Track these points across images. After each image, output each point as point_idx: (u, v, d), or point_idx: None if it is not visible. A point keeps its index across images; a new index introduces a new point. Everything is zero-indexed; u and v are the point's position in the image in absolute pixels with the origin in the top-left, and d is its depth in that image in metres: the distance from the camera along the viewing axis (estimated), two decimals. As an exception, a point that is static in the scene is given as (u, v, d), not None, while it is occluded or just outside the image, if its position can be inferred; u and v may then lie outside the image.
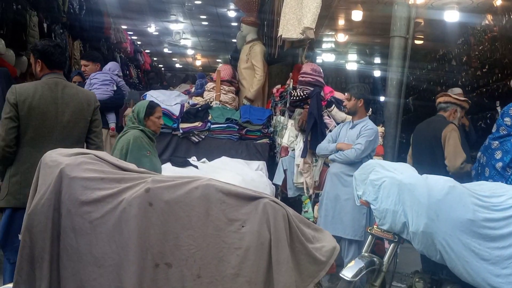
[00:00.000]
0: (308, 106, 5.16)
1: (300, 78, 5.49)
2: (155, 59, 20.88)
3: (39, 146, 3.22)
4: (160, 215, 2.10)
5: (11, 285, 2.24)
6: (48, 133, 3.29)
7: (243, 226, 2.09)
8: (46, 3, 7.81)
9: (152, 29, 14.95)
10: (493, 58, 7.54)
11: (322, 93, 5.28)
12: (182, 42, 16.15)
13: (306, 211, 5.06)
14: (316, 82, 5.40)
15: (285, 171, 5.32)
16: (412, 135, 4.78)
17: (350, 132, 4.59)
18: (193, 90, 6.76)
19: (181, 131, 5.83)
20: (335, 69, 11.88)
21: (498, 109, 7.00)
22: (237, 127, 5.93)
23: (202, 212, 2.10)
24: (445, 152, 4.22)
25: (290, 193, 5.28)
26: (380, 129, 5.52)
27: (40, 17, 7.50)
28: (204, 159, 5.53)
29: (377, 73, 12.04)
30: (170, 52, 18.91)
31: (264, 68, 6.69)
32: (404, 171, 3.41)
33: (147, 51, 18.22)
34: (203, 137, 5.91)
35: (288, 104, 5.67)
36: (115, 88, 5.68)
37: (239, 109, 6.25)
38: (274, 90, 6.46)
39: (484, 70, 7.83)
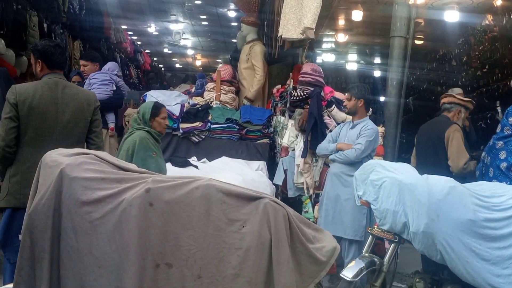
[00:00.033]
0: (308, 106, 5.16)
1: (300, 78, 5.49)
2: (155, 59, 20.88)
3: (39, 146, 3.22)
4: (160, 215, 2.10)
5: (11, 285, 2.24)
6: (48, 133, 3.29)
7: (243, 226, 2.09)
8: (46, 3, 7.80)
9: (152, 29, 14.95)
10: (493, 58, 7.54)
11: (322, 93, 5.28)
12: (182, 42, 16.15)
13: (307, 211, 5.06)
14: (316, 82, 5.40)
15: (285, 171, 5.32)
16: (416, 136, 4.78)
17: (350, 132, 4.59)
18: (193, 90, 6.76)
19: (181, 131, 5.83)
20: (335, 69, 11.88)
21: (498, 109, 7.00)
22: (237, 127, 5.93)
23: (202, 212, 2.10)
24: (448, 153, 4.22)
25: (291, 193, 5.28)
26: (381, 129, 5.52)
27: (40, 17, 7.50)
28: (204, 159, 5.53)
29: (377, 73, 12.03)
30: (170, 52, 18.91)
31: (264, 68, 6.69)
32: (405, 171, 3.40)
33: (147, 51, 18.22)
34: (203, 137, 5.90)
35: (288, 104, 5.67)
36: (114, 88, 5.68)
37: (239, 109, 6.25)
38: (274, 90, 6.46)
39: (484, 70, 7.83)
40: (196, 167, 5.15)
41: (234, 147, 5.87)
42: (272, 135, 6.09)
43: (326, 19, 7.89)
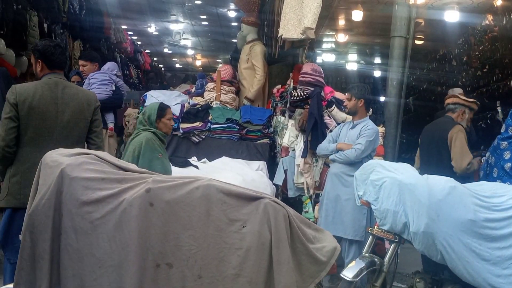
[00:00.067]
0: (308, 106, 5.16)
1: (301, 78, 5.49)
2: (155, 59, 20.89)
3: (39, 146, 3.22)
4: (160, 215, 2.09)
5: (11, 285, 2.24)
6: (48, 133, 3.29)
7: (244, 227, 2.09)
8: (46, 3, 7.81)
9: (152, 29, 14.96)
10: (494, 58, 7.54)
11: (322, 93, 5.28)
12: (182, 42, 16.15)
13: (307, 211, 5.06)
14: (316, 82, 5.40)
15: (285, 171, 5.32)
16: (420, 136, 4.79)
17: (350, 132, 4.59)
18: (193, 90, 6.75)
19: (181, 131, 5.83)
20: (335, 69, 11.88)
21: (499, 109, 7.01)
22: (238, 127, 5.92)
23: (203, 212, 2.10)
24: (452, 153, 4.22)
25: (291, 193, 5.28)
26: (381, 129, 5.52)
27: (40, 17, 7.51)
28: (204, 159, 5.53)
29: (377, 73, 12.04)
30: (170, 52, 18.91)
31: (265, 68, 6.69)
32: (405, 171, 3.40)
33: (147, 51, 18.22)
34: (204, 137, 5.90)
35: (288, 104, 5.67)
36: (114, 88, 5.68)
37: (240, 109, 6.24)
38: (275, 90, 6.45)
39: (484, 70, 7.83)
40: (196, 167, 5.15)
41: (234, 147, 5.87)
42: (272, 135, 6.09)
43: (326, 19, 7.89)
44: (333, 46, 10.97)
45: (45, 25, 7.73)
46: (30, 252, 2.15)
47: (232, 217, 2.10)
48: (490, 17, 7.48)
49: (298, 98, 5.40)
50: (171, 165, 4.20)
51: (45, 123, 3.28)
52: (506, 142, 3.87)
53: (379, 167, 3.53)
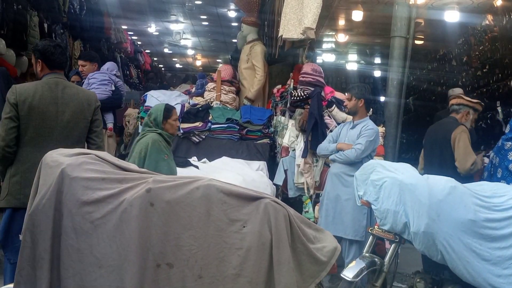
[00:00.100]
0: (308, 106, 5.16)
1: (301, 78, 5.49)
2: (155, 59, 20.89)
3: (39, 146, 3.22)
4: (161, 215, 2.09)
5: (11, 285, 2.24)
6: (48, 133, 3.29)
7: (244, 227, 2.09)
8: (46, 3, 7.81)
9: (152, 29, 14.96)
10: (494, 58, 7.55)
11: (322, 93, 5.28)
12: (183, 42, 16.16)
13: (307, 211, 5.06)
14: (316, 82, 5.40)
15: (285, 171, 5.32)
16: (424, 137, 4.81)
17: (350, 132, 4.59)
18: (193, 90, 6.75)
19: (181, 131, 5.82)
20: (335, 69, 11.88)
21: (499, 109, 7.01)
22: (238, 127, 5.92)
23: (203, 212, 2.10)
24: (455, 154, 4.22)
25: (291, 193, 5.28)
26: (381, 129, 5.52)
27: (40, 17, 7.51)
28: (204, 159, 5.53)
29: (377, 73, 12.03)
30: (171, 52, 18.92)
31: (265, 68, 6.69)
32: (405, 171, 3.41)
33: (147, 51, 18.22)
34: (204, 137, 5.90)
35: (288, 104, 5.67)
36: (113, 88, 5.67)
37: (240, 109, 6.24)
38: (275, 90, 6.45)
39: (484, 70, 7.84)
40: (197, 167, 5.14)
41: (235, 147, 5.86)
42: (272, 135, 6.08)
43: (326, 19, 7.89)
44: (333, 46, 10.97)
45: (46, 25, 7.73)
46: (30, 252, 2.15)
47: (233, 217, 2.10)
48: (490, 17, 7.48)
49: (298, 98, 5.40)
50: (176, 166, 4.20)
51: (45, 123, 3.28)
52: (510, 143, 3.88)
53: (379, 167, 3.53)
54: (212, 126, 5.89)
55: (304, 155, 5.06)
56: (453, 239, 3.07)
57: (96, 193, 2.14)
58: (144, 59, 16.33)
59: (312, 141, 5.01)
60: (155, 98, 5.98)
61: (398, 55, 5.85)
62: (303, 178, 5.13)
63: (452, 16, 7.01)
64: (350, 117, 4.84)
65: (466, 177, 4.05)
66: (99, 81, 5.54)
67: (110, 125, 5.64)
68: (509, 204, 3.15)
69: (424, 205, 3.12)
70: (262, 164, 5.61)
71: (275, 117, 6.21)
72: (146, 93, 6.28)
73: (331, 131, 5.00)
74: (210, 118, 5.94)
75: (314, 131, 4.99)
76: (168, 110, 4.04)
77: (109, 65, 5.91)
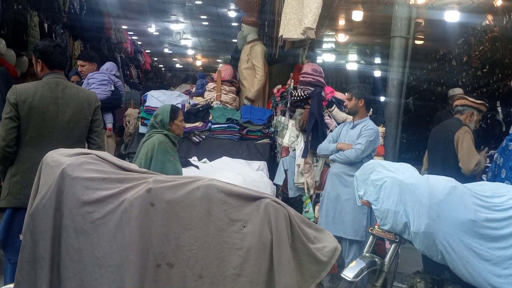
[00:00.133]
0: (309, 106, 5.16)
1: (301, 78, 5.48)
2: (155, 59, 20.89)
3: (40, 146, 3.22)
4: (161, 215, 2.10)
5: (12, 285, 2.24)
6: (48, 133, 3.29)
7: (244, 227, 2.09)
8: (46, 3, 7.81)
9: (152, 29, 14.96)
10: (494, 58, 7.55)
11: (323, 93, 5.28)
12: (183, 42, 16.16)
13: (307, 211, 5.06)
14: (316, 82, 5.40)
15: (286, 171, 5.32)
16: (429, 138, 4.82)
17: (350, 132, 4.59)
18: (193, 90, 6.75)
19: (181, 131, 5.82)
20: (335, 69, 11.88)
21: (499, 109, 7.02)
22: (238, 127, 5.92)
23: (203, 212, 2.10)
24: (459, 155, 4.23)
25: (291, 193, 5.28)
26: (381, 129, 5.52)
27: (40, 17, 7.51)
28: (205, 159, 5.52)
29: (377, 73, 12.04)
30: (171, 52, 18.92)
31: (265, 68, 6.69)
32: (405, 171, 3.41)
33: (147, 51, 18.22)
34: (204, 137, 5.90)
35: (289, 104, 5.67)
36: (113, 88, 5.66)
37: (240, 109, 6.24)
38: (275, 90, 6.45)
39: (484, 70, 7.85)
40: (197, 167, 5.14)
41: (235, 147, 5.86)
42: (272, 135, 6.08)
43: (326, 19, 7.90)
44: (334, 46, 10.97)
45: (46, 25, 7.73)
46: (30, 252, 2.15)
47: (233, 217, 2.10)
48: (490, 17, 7.49)
49: (298, 98, 5.40)
50: (181, 167, 4.21)
51: (46, 123, 3.28)
52: (515, 143, 3.88)
53: (379, 167, 3.53)
54: (212, 126, 5.89)
55: (304, 155, 5.06)
56: (453, 239, 3.07)
57: (96, 193, 2.15)
58: (144, 59, 16.33)
59: (312, 141, 5.01)
60: (155, 98, 5.98)
61: (398, 55, 5.85)
62: (303, 178, 5.13)
63: (452, 16, 7.02)
64: (350, 117, 4.84)
65: (468, 178, 4.05)
66: (99, 81, 5.54)
67: (109, 125, 5.64)
68: (509, 204, 3.15)
69: (424, 205, 3.12)
70: (262, 164, 5.61)
71: (275, 117, 6.21)
72: (146, 93, 6.28)
73: (331, 131, 5.00)
74: (210, 118, 5.94)
75: (314, 131, 4.99)
76: (174, 111, 4.05)
77: (108, 65, 5.90)
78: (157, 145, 3.82)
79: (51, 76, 3.38)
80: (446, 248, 3.07)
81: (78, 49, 9.20)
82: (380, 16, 7.52)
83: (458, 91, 6.72)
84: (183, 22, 14.10)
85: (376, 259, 3.40)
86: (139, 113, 6.28)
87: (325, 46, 11.04)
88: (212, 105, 6.16)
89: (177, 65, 23.20)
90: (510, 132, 4.01)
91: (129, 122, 7.38)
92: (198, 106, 6.07)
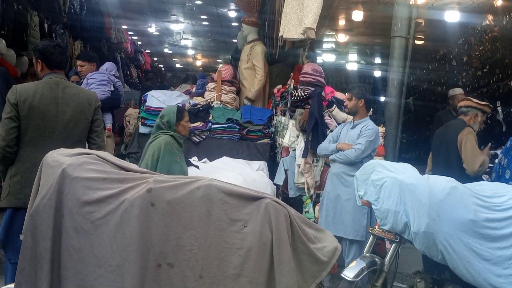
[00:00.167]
0: (309, 106, 5.16)
1: (301, 78, 5.49)
2: (155, 59, 20.88)
3: (40, 146, 3.23)
4: (162, 215, 2.10)
5: (12, 285, 2.24)
6: (48, 133, 3.30)
7: (245, 226, 2.09)
8: (47, 3, 7.81)
9: (152, 29, 14.95)
10: (494, 58, 7.55)
11: (323, 93, 5.28)
12: (183, 42, 16.16)
13: (307, 211, 5.06)
14: (317, 82, 5.40)
15: (286, 171, 5.32)
16: (432, 139, 4.84)
17: (350, 132, 4.60)
18: (194, 90, 6.75)
19: (182, 131, 5.82)
20: (335, 69, 11.88)
21: (499, 109, 7.02)
22: (238, 127, 5.92)
23: (204, 212, 2.10)
24: (463, 156, 4.24)
25: (291, 193, 5.28)
26: (381, 129, 5.52)
27: (41, 17, 7.51)
28: (205, 159, 5.52)
29: (377, 73, 12.04)
30: (171, 52, 18.91)
31: (265, 68, 6.69)
32: (406, 171, 3.41)
33: (147, 51, 18.22)
34: (204, 137, 5.90)
35: (289, 104, 5.67)
36: (112, 88, 5.66)
37: (240, 109, 6.24)
38: (275, 90, 6.45)
39: (484, 70, 7.85)
40: (197, 167, 5.14)
41: (235, 147, 5.86)
42: (272, 135, 6.08)
43: (326, 19, 7.90)
44: (334, 46, 10.97)
45: (46, 25, 7.73)
46: (31, 252, 2.15)
47: (233, 217, 2.10)
48: (490, 17, 7.48)
49: (298, 98, 5.40)
50: (187, 168, 4.23)
51: (46, 123, 3.29)
52: (519, 144, 3.88)
53: (379, 167, 3.53)
54: (213, 126, 5.89)
55: (304, 155, 5.06)
56: (453, 239, 3.07)
57: (97, 193, 2.15)
58: (145, 59, 16.33)
59: (313, 141, 5.01)
60: (156, 98, 5.98)
61: (399, 55, 5.85)
62: (303, 178, 5.13)
63: (452, 16, 7.01)
64: (350, 117, 4.84)
65: (472, 178, 4.05)
66: (98, 81, 5.53)
67: (108, 126, 5.64)
68: (509, 204, 3.14)
69: (425, 205, 3.12)
70: (263, 164, 5.61)
71: (275, 117, 6.21)
72: (146, 93, 6.28)
73: (331, 131, 5.00)
74: (210, 118, 5.94)
75: (315, 131, 4.99)
76: (180, 111, 4.07)
77: (108, 65, 5.90)
78: (164, 146, 3.83)
79: (51, 76, 3.38)
80: (446, 248, 3.07)
81: (78, 49, 9.21)
82: (380, 16, 7.52)
83: (458, 91, 6.72)
84: (183, 22, 14.10)
85: (376, 259, 3.40)
86: (139, 113, 6.28)
87: (325, 46, 11.04)
88: (212, 105, 6.16)
89: (177, 65, 23.20)
90: None
91: (129, 122, 7.38)
92: (198, 106, 6.07)
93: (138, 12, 12.77)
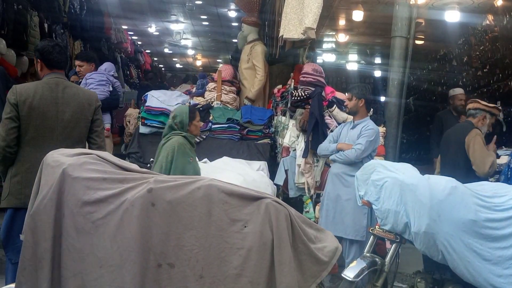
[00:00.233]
0: (309, 106, 5.16)
1: (301, 78, 5.48)
2: (155, 59, 20.88)
3: (40, 146, 3.23)
4: (162, 216, 2.10)
5: (13, 285, 2.24)
6: (49, 133, 3.30)
7: (245, 226, 2.09)
8: (47, 3, 7.81)
9: (152, 29, 14.94)
10: (494, 58, 7.55)
11: (323, 93, 5.28)
12: (183, 42, 16.15)
13: (308, 211, 5.06)
14: (317, 82, 5.40)
15: (286, 171, 5.32)
16: (441, 141, 4.88)
17: (351, 132, 4.60)
18: (194, 90, 6.75)
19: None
20: (336, 69, 11.88)
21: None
22: (238, 127, 5.92)
23: (204, 212, 2.10)
24: (472, 158, 4.26)
25: (292, 193, 5.28)
26: (381, 129, 5.52)
27: (41, 17, 7.51)
28: (205, 159, 5.52)
29: (378, 73, 12.04)
30: (171, 52, 18.91)
31: (265, 68, 6.69)
32: (406, 172, 3.41)
33: (147, 51, 18.22)
34: (204, 137, 5.89)
35: (289, 104, 5.67)
36: (111, 89, 5.67)
37: (240, 109, 6.24)
38: (275, 90, 6.45)
39: (485, 70, 7.84)
40: (197, 167, 5.14)
41: (235, 147, 5.86)
42: (273, 135, 6.08)
43: (326, 19, 7.90)
44: (334, 46, 10.97)
45: (46, 25, 7.73)
46: (31, 252, 2.15)
47: (234, 217, 2.10)
48: (490, 17, 7.48)
49: (299, 98, 5.40)
50: (199, 168, 4.23)
51: (46, 123, 3.29)
52: (527, 147, 3.89)
53: (380, 167, 3.53)
54: (213, 126, 5.89)
55: (304, 155, 5.06)
56: (454, 239, 3.07)
57: (97, 193, 2.15)
58: (145, 59, 16.34)
59: (313, 141, 5.01)
60: (156, 98, 5.98)
61: (399, 55, 5.85)
62: (303, 178, 5.13)
63: (452, 16, 7.01)
64: (350, 117, 4.84)
65: (480, 179, 4.06)
66: (97, 81, 5.53)
67: (107, 126, 5.63)
68: (510, 204, 3.14)
69: (425, 205, 3.12)
70: (263, 164, 5.61)
71: (275, 117, 6.21)
72: (146, 93, 6.28)
73: (331, 131, 5.00)
74: (210, 118, 5.94)
75: (315, 131, 4.99)
76: (192, 111, 4.09)
77: (106, 66, 5.90)
78: (177, 148, 3.85)
79: (51, 76, 3.38)
80: (447, 248, 3.07)
81: (78, 49, 9.20)
82: (380, 16, 7.51)
83: (458, 91, 6.72)
84: (183, 22, 14.09)
85: (377, 259, 3.40)
86: (139, 113, 6.28)
87: (325, 46, 11.04)
88: (213, 105, 6.16)
89: (177, 65, 23.20)
90: None
91: (129, 122, 7.38)
92: (198, 106, 6.07)
93: (138, 12, 12.76)
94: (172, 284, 2.07)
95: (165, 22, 14.20)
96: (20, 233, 2.31)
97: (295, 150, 5.35)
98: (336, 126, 5.05)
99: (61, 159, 2.24)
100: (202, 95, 6.43)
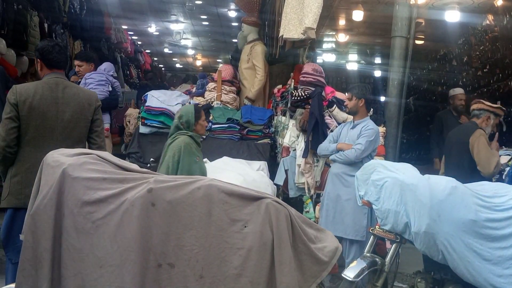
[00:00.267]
0: (309, 106, 5.16)
1: (301, 78, 5.49)
2: (155, 59, 20.88)
3: (40, 146, 3.23)
4: (162, 216, 2.09)
5: (13, 285, 2.24)
6: (49, 133, 3.30)
7: (245, 226, 2.08)
8: (47, 3, 7.81)
9: (152, 29, 14.94)
10: (494, 58, 7.55)
11: (323, 93, 5.28)
12: (183, 42, 16.14)
13: (308, 211, 5.06)
14: (317, 82, 5.40)
15: (286, 171, 5.32)
16: (445, 141, 4.89)
17: (351, 132, 4.59)
18: (194, 90, 6.75)
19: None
20: (336, 69, 11.88)
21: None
22: (238, 127, 5.92)
23: (204, 212, 2.10)
24: (476, 159, 4.26)
25: (292, 193, 5.28)
26: (381, 129, 5.52)
27: (41, 17, 7.51)
28: (205, 159, 5.51)
29: (378, 73, 12.04)
30: (171, 52, 18.91)
31: (265, 68, 6.68)
32: (406, 171, 3.41)
33: (147, 51, 18.21)
34: (204, 137, 5.89)
35: (289, 104, 5.67)
36: (110, 89, 5.67)
37: (240, 109, 6.24)
38: (275, 90, 6.45)
39: (485, 70, 7.85)
40: (197, 167, 5.14)
41: (235, 147, 5.86)
42: (273, 135, 6.08)
43: (327, 19, 7.90)
44: (334, 46, 10.97)
45: (46, 25, 7.73)
46: (31, 252, 2.15)
47: (234, 217, 2.10)
48: (490, 17, 7.48)
49: (299, 98, 5.40)
50: (205, 167, 4.24)
51: (46, 123, 3.29)
52: (532, 148, 3.90)
53: (380, 167, 3.53)
54: (213, 126, 5.89)
55: (304, 155, 5.06)
56: (454, 239, 3.07)
57: (97, 193, 2.15)
58: (144, 59, 16.33)
59: (313, 141, 5.01)
60: (156, 98, 5.98)
61: (399, 55, 5.85)
62: (303, 178, 5.13)
63: (452, 16, 7.01)
64: (350, 117, 4.84)
65: (484, 179, 4.06)
66: (97, 81, 5.53)
67: (106, 126, 5.63)
68: (510, 204, 3.14)
69: (425, 205, 3.12)
70: (263, 164, 5.61)
71: (275, 117, 6.20)
72: (146, 93, 6.28)
73: (331, 131, 5.00)
74: (210, 118, 5.94)
75: (315, 131, 4.99)
76: (198, 111, 4.10)
77: (106, 66, 5.89)
78: (183, 148, 3.85)
79: (51, 76, 3.39)
80: (447, 248, 3.07)
81: (78, 49, 9.20)
82: (380, 16, 7.52)
83: (458, 91, 6.72)
84: (183, 22, 14.09)
85: (377, 259, 3.40)
86: (139, 113, 6.28)
87: (325, 46, 11.04)
88: (213, 105, 6.16)
89: (177, 65, 23.19)
90: None
91: (129, 122, 7.37)
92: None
93: (138, 12, 12.76)
94: (172, 284, 2.07)
95: (165, 22, 14.19)
96: (20, 233, 2.31)
97: (295, 150, 5.35)
98: (336, 126, 5.05)
99: (61, 159, 2.23)
100: (202, 95, 6.43)
